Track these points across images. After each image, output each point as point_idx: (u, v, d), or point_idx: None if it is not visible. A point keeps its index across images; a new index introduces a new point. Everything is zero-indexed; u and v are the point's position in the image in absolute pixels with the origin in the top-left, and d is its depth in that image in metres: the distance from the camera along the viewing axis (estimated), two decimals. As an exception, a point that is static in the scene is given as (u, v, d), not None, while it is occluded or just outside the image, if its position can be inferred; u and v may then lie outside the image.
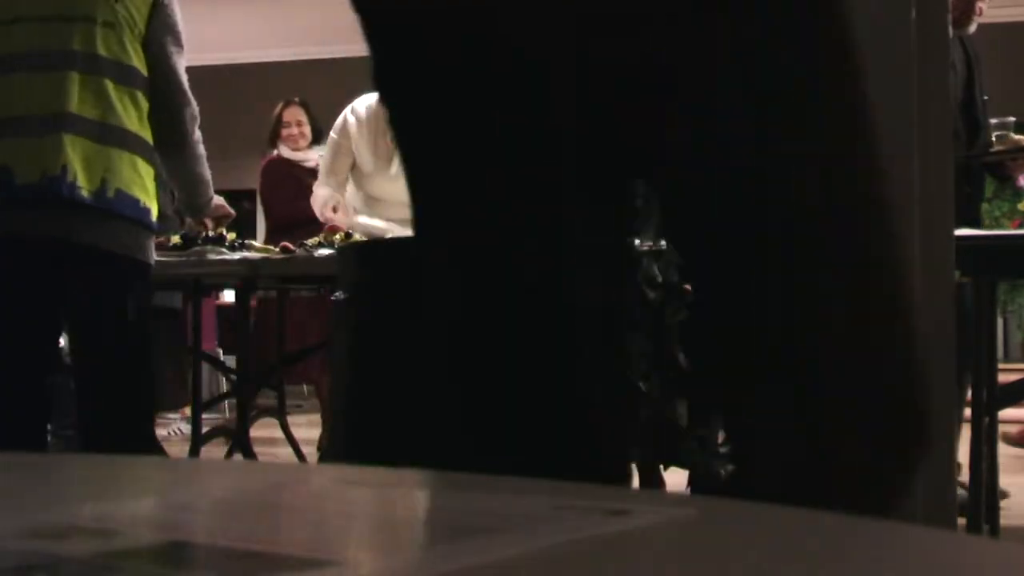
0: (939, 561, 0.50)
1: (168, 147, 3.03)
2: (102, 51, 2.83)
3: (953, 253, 1.83)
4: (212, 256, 4.03)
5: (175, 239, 4.11)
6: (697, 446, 2.47)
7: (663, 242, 2.65)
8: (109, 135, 2.80)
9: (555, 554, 0.48)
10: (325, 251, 4.05)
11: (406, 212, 4.04)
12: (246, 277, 4.23)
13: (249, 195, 12.94)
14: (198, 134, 3.10)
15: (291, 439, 4.86)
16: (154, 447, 3.01)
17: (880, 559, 0.49)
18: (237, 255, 4.06)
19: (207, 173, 3.22)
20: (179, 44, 3.00)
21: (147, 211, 2.88)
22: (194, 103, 3.06)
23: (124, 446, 2.78)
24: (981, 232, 2.91)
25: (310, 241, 4.27)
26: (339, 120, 4.62)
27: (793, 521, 0.60)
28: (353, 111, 4.55)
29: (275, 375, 5.61)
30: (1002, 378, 3.34)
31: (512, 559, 0.47)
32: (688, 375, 2.49)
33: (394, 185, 4.45)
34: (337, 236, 4.18)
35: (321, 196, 4.64)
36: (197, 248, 4.04)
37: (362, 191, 4.61)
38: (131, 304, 2.89)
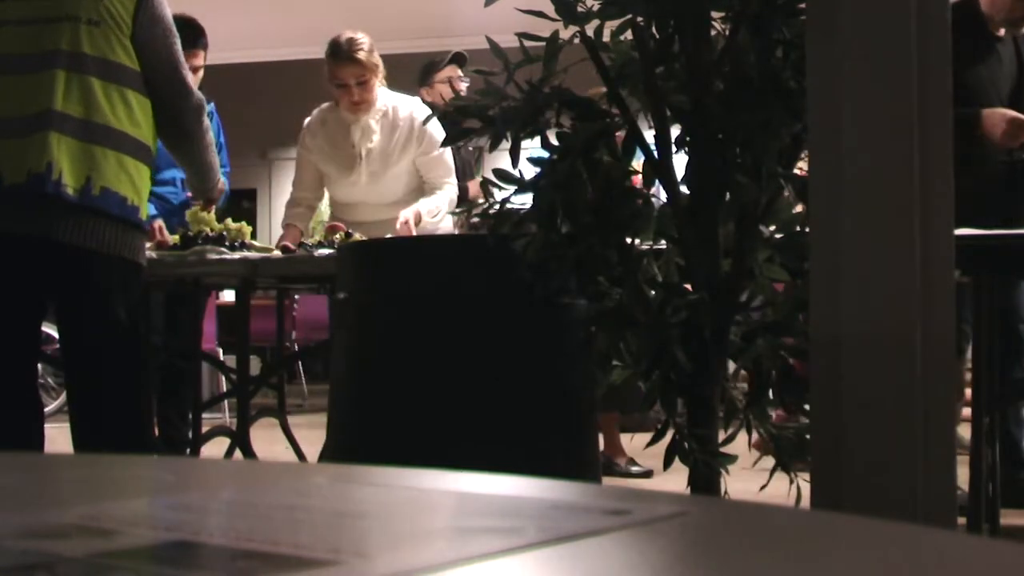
0: (939, 561, 0.50)
1: (173, 139, 3.03)
2: (88, 49, 2.82)
3: (953, 253, 1.83)
4: (212, 256, 4.03)
5: (175, 239, 4.11)
6: (697, 446, 2.47)
7: (663, 242, 2.65)
8: (94, 133, 2.79)
9: (554, 552, 0.48)
10: (325, 251, 4.05)
11: (372, 214, 4.09)
12: (246, 277, 4.23)
13: (249, 194, 12.97)
14: (206, 122, 3.08)
15: (291, 439, 4.86)
16: (148, 446, 3.00)
17: (880, 559, 0.49)
18: (237, 255, 4.06)
19: (215, 159, 3.22)
20: (171, 35, 2.98)
21: (134, 209, 2.86)
22: (197, 92, 3.04)
23: (115, 445, 2.77)
24: (981, 232, 2.90)
25: (310, 240, 4.27)
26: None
27: (791, 521, 0.60)
28: (309, 127, 4.60)
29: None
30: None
31: (511, 556, 0.47)
32: (688, 375, 2.48)
33: (355, 189, 4.48)
34: (337, 236, 4.17)
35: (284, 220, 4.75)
36: (197, 248, 4.04)
37: (330, 196, 4.68)
38: (119, 302, 2.88)
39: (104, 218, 2.80)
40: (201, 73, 4.74)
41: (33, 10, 2.83)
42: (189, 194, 4.62)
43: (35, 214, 2.76)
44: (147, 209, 2.97)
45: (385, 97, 4.48)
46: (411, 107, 4.45)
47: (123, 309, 2.88)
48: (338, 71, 4.41)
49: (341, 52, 4.40)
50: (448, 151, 4.50)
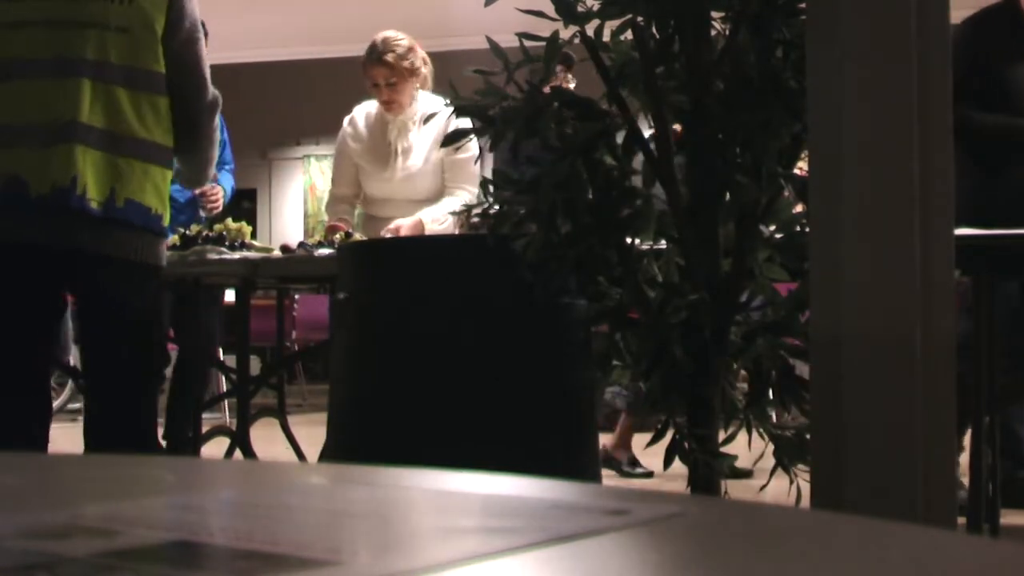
0: (939, 561, 0.50)
1: (184, 136, 2.97)
2: (114, 58, 2.79)
3: (953, 253, 1.83)
4: (212, 256, 4.03)
5: (175, 239, 4.11)
6: (697, 446, 2.47)
7: (663, 242, 2.65)
8: (119, 144, 2.78)
9: (554, 552, 0.48)
10: (325, 251, 4.05)
11: (403, 210, 4.07)
12: (246, 277, 4.23)
13: (249, 194, 12.98)
14: (217, 120, 3.06)
15: (291, 439, 4.86)
16: (151, 449, 3.01)
17: (880, 559, 0.49)
18: (237, 255, 4.06)
19: (215, 155, 3.16)
20: (197, 32, 2.93)
21: (158, 218, 2.86)
22: (212, 89, 3.01)
23: (118, 447, 2.78)
24: (981, 232, 2.90)
25: (310, 240, 4.28)
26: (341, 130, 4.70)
27: (791, 521, 0.60)
28: (351, 120, 4.63)
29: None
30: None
31: (511, 556, 0.47)
32: (688, 375, 2.48)
33: (388, 185, 4.49)
34: (337, 236, 4.18)
35: (329, 214, 4.80)
36: (197, 248, 4.04)
37: (364, 190, 4.69)
38: (140, 306, 2.89)
39: (127, 229, 2.80)
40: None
41: (56, 12, 2.79)
42: (196, 192, 4.62)
43: (59, 226, 2.75)
44: (170, 213, 2.96)
45: (427, 100, 4.49)
46: (447, 111, 4.47)
47: (141, 314, 2.89)
48: (369, 70, 4.44)
49: (373, 52, 4.44)
50: (473, 157, 4.50)
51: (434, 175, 4.51)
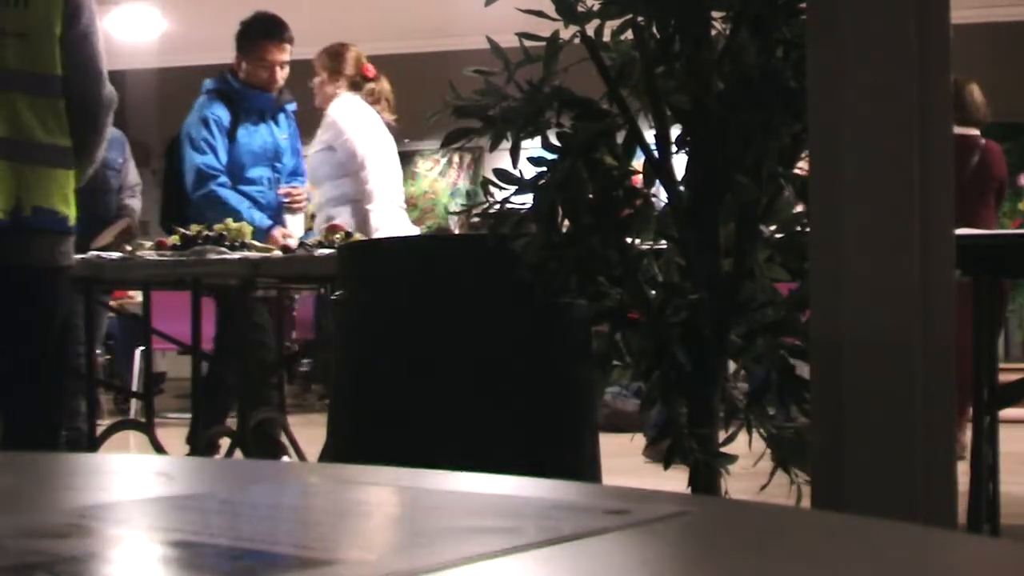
0: (939, 561, 0.50)
1: (77, 136, 2.87)
2: (12, 64, 2.72)
3: (953, 253, 1.83)
4: (212, 255, 4.03)
5: (174, 239, 4.11)
6: (697, 446, 2.47)
7: (663, 242, 2.65)
8: (22, 152, 2.71)
9: (554, 552, 0.48)
10: (325, 251, 4.05)
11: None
12: (246, 277, 4.23)
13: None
14: (110, 118, 2.96)
15: (291, 439, 4.86)
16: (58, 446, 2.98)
17: (880, 559, 0.49)
18: (237, 255, 4.06)
19: (100, 156, 3.04)
20: (93, 27, 2.84)
21: (65, 219, 2.81)
22: (110, 87, 2.91)
23: (39, 445, 2.73)
24: (981, 232, 2.91)
25: (310, 240, 4.28)
26: None
27: (791, 521, 0.60)
28: None
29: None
30: (1002, 378, 3.34)
31: (511, 556, 0.47)
32: (688, 375, 2.48)
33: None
34: (337, 236, 4.18)
35: None
36: (197, 248, 4.04)
37: None
38: (55, 313, 2.86)
39: (37, 236, 2.76)
40: (287, 70, 4.84)
41: None
42: (280, 191, 4.70)
43: None
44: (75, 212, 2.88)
45: (345, 104, 4.86)
46: (334, 105, 4.88)
47: (58, 319, 2.87)
48: None
49: None
50: (330, 152, 4.81)
51: (313, 160, 4.92)
